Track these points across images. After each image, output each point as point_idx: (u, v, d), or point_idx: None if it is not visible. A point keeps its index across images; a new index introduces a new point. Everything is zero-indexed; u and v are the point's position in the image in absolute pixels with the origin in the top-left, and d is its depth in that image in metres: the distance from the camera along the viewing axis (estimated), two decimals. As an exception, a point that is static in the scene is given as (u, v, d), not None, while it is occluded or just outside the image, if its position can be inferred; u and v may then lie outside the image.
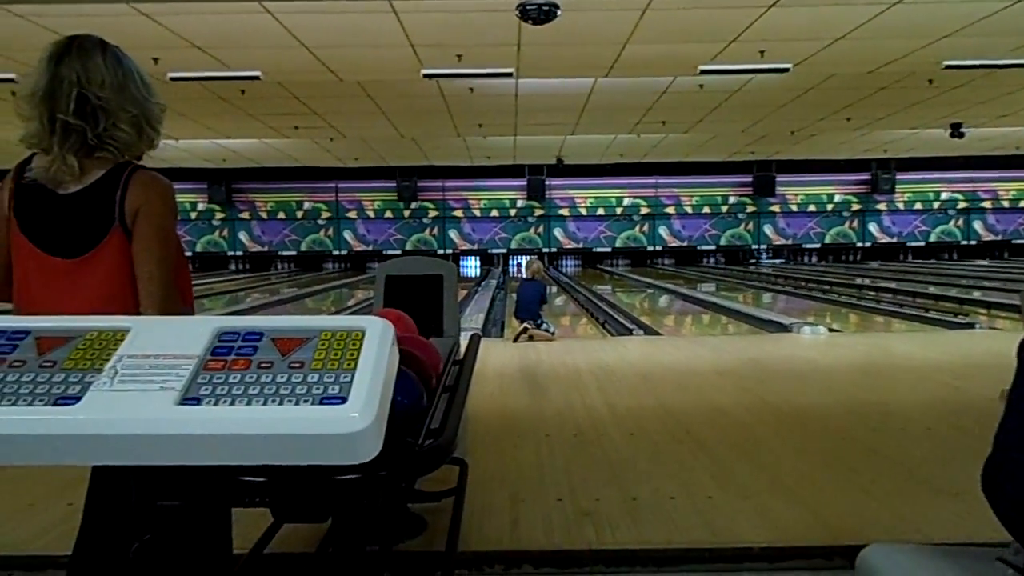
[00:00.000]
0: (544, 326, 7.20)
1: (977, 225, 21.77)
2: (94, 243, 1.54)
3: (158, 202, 1.57)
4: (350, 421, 0.96)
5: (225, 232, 21.62)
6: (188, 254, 20.99)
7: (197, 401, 0.98)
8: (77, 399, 0.99)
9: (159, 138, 1.69)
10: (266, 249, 21.72)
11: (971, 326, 7.92)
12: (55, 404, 0.99)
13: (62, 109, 1.53)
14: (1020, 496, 1.30)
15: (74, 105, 1.54)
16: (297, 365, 1.04)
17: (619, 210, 21.65)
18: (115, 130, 1.56)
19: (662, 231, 21.79)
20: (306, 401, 0.98)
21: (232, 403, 0.98)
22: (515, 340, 7.01)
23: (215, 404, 0.98)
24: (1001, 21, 7.08)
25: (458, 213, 21.64)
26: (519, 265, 21.08)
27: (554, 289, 15.98)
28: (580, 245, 21.82)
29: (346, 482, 1.32)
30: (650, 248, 21.90)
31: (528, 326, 7.09)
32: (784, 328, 7.67)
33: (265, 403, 0.98)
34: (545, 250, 21.87)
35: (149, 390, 0.99)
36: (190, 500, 1.13)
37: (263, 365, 1.04)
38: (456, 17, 6.80)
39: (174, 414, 0.97)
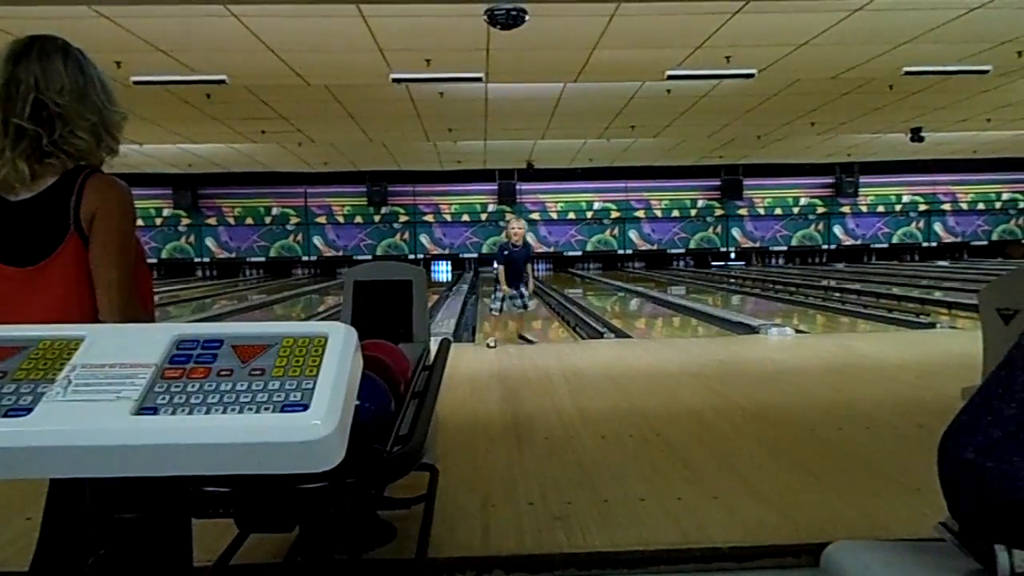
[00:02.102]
0: (524, 299, 6.99)
1: (937, 227, 22.30)
2: (49, 251, 1.50)
3: (115, 206, 1.53)
4: (312, 428, 0.94)
5: (191, 238, 21.27)
6: (153, 261, 20.80)
7: (154, 411, 0.96)
8: (28, 410, 0.96)
9: (119, 146, 1.65)
10: (234, 255, 21.41)
11: (932, 326, 8.11)
12: (6, 416, 0.96)
13: (17, 113, 1.49)
14: (958, 455, 1.38)
15: (30, 109, 1.49)
16: (258, 372, 1.02)
17: (589, 214, 21.77)
18: (72, 137, 1.52)
19: (632, 235, 21.96)
20: (267, 409, 0.96)
21: (190, 412, 0.96)
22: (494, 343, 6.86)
23: (173, 413, 0.96)
24: (957, 29, 7.28)
25: (429, 218, 21.57)
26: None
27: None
28: (551, 249, 21.89)
29: (312, 490, 1.30)
30: (620, 251, 22.05)
31: (510, 291, 6.88)
32: (752, 330, 7.77)
33: (225, 412, 0.96)
34: (516, 254, 21.87)
35: (104, 400, 0.97)
36: (150, 512, 1.11)
37: (223, 373, 1.02)
38: (424, 22, 6.79)
39: (130, 424, 0.94)
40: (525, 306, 7.04)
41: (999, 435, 1.36)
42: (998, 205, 22.06)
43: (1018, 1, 6.59)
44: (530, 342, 7.04)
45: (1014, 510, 1.30)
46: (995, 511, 1.32)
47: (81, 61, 1.57)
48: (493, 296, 7.11)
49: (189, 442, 0.94)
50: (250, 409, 0.96)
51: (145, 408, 0.96)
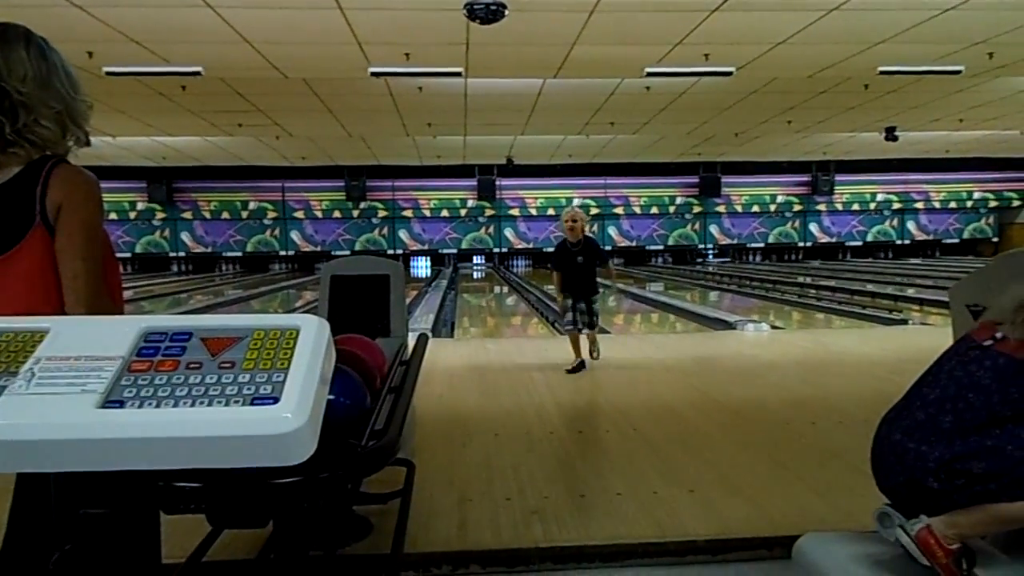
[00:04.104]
0: (586, 315, 5.35)
1: (910, 225, 22.66)
2: (14, 242, 1.46)
3: (81, 197, 1.49)
4: (282, 421, 0.93)
5: (166, 232, 20.97)
6: (127, 255, 20.51)
7: (120, 404, 0.94)
8: (-10, 404, 0.94)
9: (84, 135, 1.61)
10: (210, 250, 21.15)
11: (905, 322, 8.26)
12: (-34, 409, 0.93)
13: None
14: (888, 436, 1.56)
15: None
16: (228, 365, 1.01)
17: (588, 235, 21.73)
18: (36, 126, 1.48)
19: (611, 231, 22.04)
20: (236, 402, 0.95)
21: (158, 405, 0.94)
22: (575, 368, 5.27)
23: (140, 406, 0.94)
24: (931, 29, 7.39)
25: (408, 213, 21.47)
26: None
27: (505, 289, 16.01)
28: (530, 245, 21.90)
29: (285, 485, 1.29)
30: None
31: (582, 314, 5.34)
32: (729, 326, 7.84)
33: (193, 405, 0.94)
34: (496, 250, 21.88)
35: (69, 393, 0.95)
36: (117, 507, 1.09)
37: (192, 366, 1.00)
38: (403, 15, 6.74)
39: (95, 417, 0.92)
40: (590, 325, 5.39)
41: (923, 417, 1.47)
42: (969, 204, 22.46)
43: (989, 3, 6.70)
44: (577, 369, 5.26)
45: (918, 489, 1.45)
46: (905, 487, 1.48)
47: (44, 48, 1.54)
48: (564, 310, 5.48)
49: (156, 435, 0.92)
50: (219, 402, 0.95)
51: (111, 401, 0.95)
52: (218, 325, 1.08)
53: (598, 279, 5.56)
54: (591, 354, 5.42)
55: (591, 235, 5.85)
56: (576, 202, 21.46)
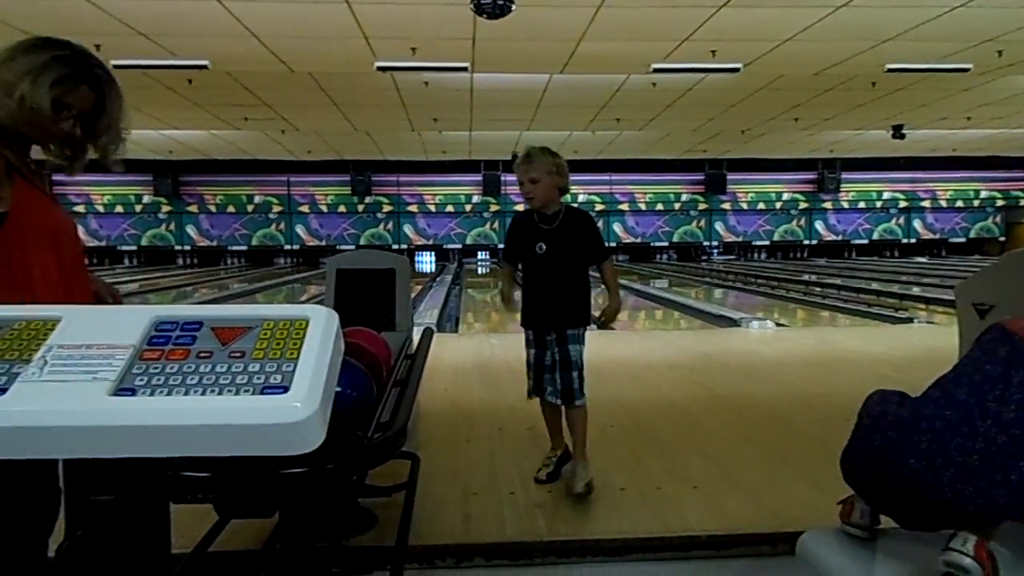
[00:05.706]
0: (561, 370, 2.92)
1: (917, 224, 22.58)
2: None
3: None
4: (292, 410, 0.94)
5: (172, 226, 21.03)
6: (133, 248, 20.56)
7: (132, 392, 0.95)
8: (3, 391, 0.95)
9: (21, 110, 1.51)
10: (215, 243, 21.21)
11: (910, 321, 8.24)
12: (-20, 396, 0.94)
13: None
14: (952, 459, 1.41)
15: None
16: (238, 355, 1.01)
17: (574, 206, 21.74)
18: None
19: (616, 228, 22.02)
20: (247, 391, 0.96)
21: (169, 393, 0.95)
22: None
23: (151, 395, 0.95)
24: (939, 27, 7.35)
25: (413, 208, 21.49)
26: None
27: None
28: (536, 241, 21.86)
29: (292, 476, 1.30)
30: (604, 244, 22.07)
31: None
32: (734, 323, 7.83)
33: (204, 393, 0.95)
34: (500, 246, 21.87)
35: (81, 381, 0.96)
36: (126, 495, 1.10)
37: (202, 355, 1.01)
38: (410, 10, 6.74)
39: (107, 405, 0.93)
40: (565, 395, 2.91)
41: (1004, 439, 1.36)
42: (976, 203, 22.36)
43: (998, 1, 6.67)
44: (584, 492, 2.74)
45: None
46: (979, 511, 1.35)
47: None
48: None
49: (167, 423, 0.93)
50: (229, 391, 0.96)
51: (123, 389, 0.95)
52: (228, 315, 1.09)
53: (591, 296, 3.07)
54: (575, 484, 2.67)
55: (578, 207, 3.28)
56: (581, 198, 21.43)
